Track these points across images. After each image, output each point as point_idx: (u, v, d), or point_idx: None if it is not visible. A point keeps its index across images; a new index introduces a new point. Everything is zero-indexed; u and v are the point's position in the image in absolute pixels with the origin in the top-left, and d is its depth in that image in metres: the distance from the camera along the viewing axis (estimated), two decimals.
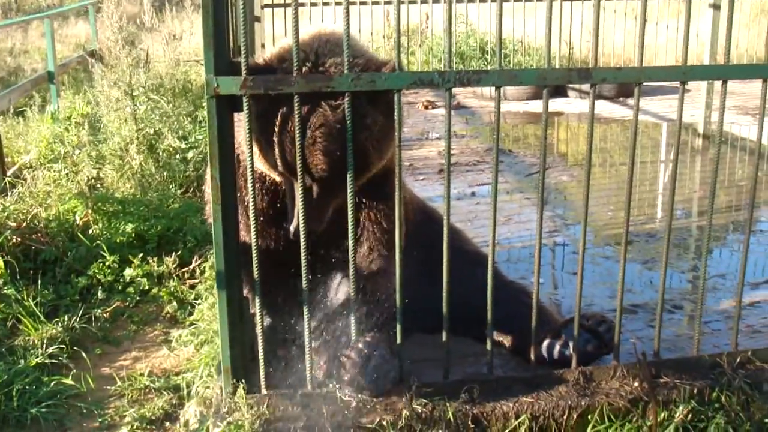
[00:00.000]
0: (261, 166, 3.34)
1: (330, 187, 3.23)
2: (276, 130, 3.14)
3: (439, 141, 9.15)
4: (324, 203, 3.27)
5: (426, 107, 11.18)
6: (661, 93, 11.81)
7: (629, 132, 3.38)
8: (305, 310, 3.20)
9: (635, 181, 7.11)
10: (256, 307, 3.21)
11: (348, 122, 3.01)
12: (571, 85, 11.88)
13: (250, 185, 3.06)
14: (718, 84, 3.45)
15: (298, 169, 3.03)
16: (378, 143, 3.24)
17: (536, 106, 11.23)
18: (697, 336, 3.62)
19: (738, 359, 3.59)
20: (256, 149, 3.23)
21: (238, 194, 3.18)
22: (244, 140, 3.05)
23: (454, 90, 12.73)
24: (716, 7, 9.01)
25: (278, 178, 3.40)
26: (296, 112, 2.98)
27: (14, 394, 4.11)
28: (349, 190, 3.09)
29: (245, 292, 3.42)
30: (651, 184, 7.32)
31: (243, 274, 3.33)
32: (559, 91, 12.10)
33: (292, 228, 3.23)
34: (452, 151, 8.35)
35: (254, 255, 3.13)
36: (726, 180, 7.31)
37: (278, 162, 3.19)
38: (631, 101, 3.14)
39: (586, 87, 3.22)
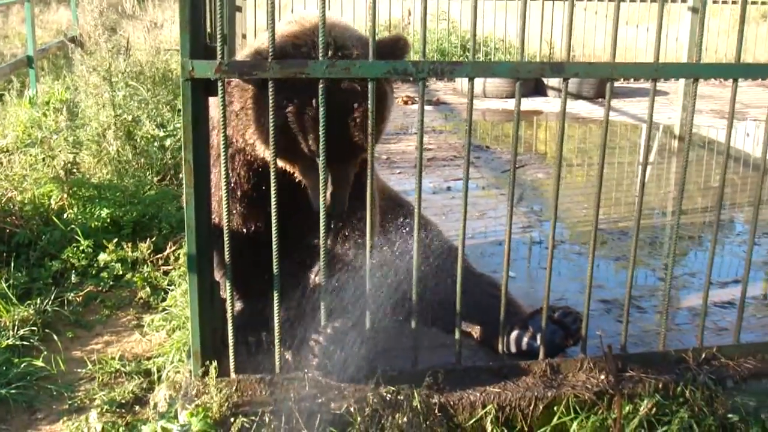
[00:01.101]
0: (263, 152, 3.39)
1: (348, 169, 3.32)
2: (306, 115, 3.16)
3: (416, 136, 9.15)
4: (347, 184, 3.34)
5: (405, 102, 11.21)
6: (639, 95, 11.91)
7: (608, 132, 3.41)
8: (275, 294, 3.22)
9: (612, 182, 7.22)
10: (227, 292, 3.22)
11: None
12: (550, 85, 11.95)
13: (222, 166, 3.08)
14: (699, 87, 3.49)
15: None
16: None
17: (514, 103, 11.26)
18: (663, 331, 3.66)
19: (703, 355, 3.64)
20: (257, 136, 3.30)
21: (226, 179, 3.17)
22: (218, 124, 3.07)
23: (435, 87, 12.82)
24: (695, 10, 9.10)
25: (288, 167, 3.42)
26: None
27: None
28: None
29: (217, 276, 3.44)
30: (628, 184, 7.38)
31: (216, 258, 3.35)
32: (539, 90, 12.16)
33: (322, 209, 3.24)
34: (429, 146, 8.45)
35: (226, 237, 3.14)
36: (702, 182, 7.39)
37: (308, 147, 3.22)
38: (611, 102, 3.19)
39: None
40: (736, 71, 3.47)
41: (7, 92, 9.98)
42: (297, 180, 3.45)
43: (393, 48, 3.21)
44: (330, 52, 3.15)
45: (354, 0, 12.30)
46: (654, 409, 3.41)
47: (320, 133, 3.05)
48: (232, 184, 3.55)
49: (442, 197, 6.67)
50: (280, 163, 3.33)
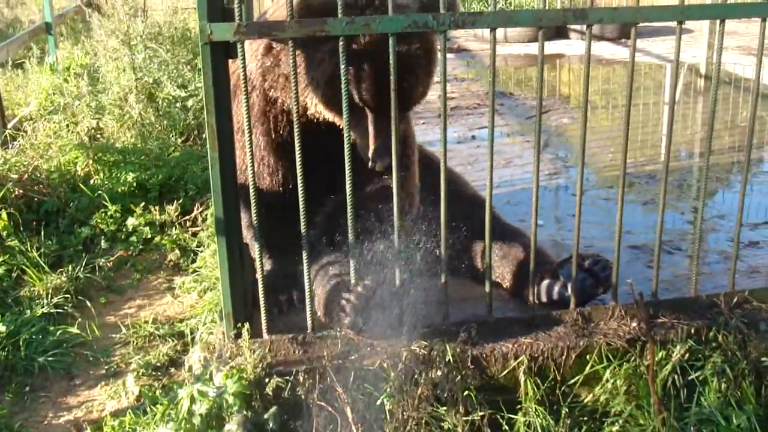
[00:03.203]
0: (316, 106, 3.39)
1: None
2: (364, 67, 3.18)
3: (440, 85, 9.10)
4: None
5: None
6: (663, 34, 11.72)
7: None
8: (304, 253, 3.22)
9: (638, 124, 7.14)
10: (255, 252, 3.23)
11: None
12: (572, 28, 11.79)
13: (246, 128, 3.07)
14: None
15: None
16: None
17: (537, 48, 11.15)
18: (694, 276, 3.63)
19: (735, 299, 3.61)
20: (311, 89, 3.32)
21: (250, 139, 3.16)
22: (240, 84, 3.05)
23: (456, 33, 12.68)
24: None
25: (336, 120, 3.40)
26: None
27: (21, 343, 4.18)
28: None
29: (246, 237, 3.45)
30: (654, 125, 7.30)
31: (244, 219, 3.35)
32: (561, 33, 12.02)
33: (378, 163, 3.26)
34: (452, 95, 8.39)
35: (252, 197, 3.15)
36: (729, 121, 7.29)
37: (360, 96, 3.22)
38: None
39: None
40: (766, 9, 3.39)
41: (27, 60, 9.99)
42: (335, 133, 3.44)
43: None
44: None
45: None
46: (687, 354, 3.40)
47: (343, 91, 3.04)
48: (266, 143, 3.58)
49: (467, 146, 6.63)
50: (328, 116, 3.35)
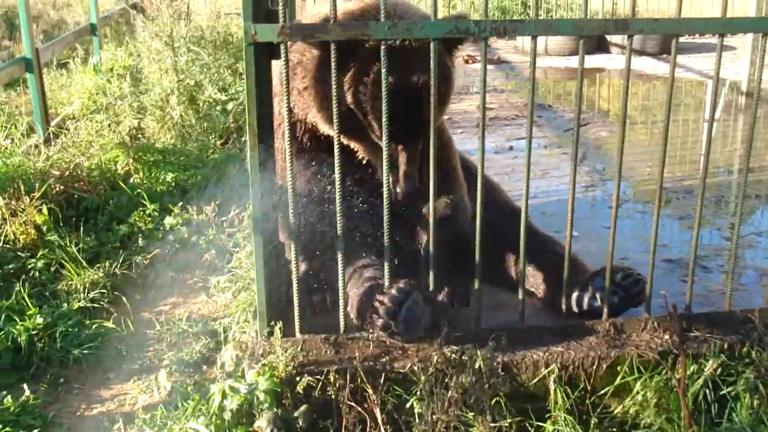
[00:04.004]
0: (327, 130, 3.45)
1: (416, 147, 3.35)
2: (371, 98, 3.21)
3: (478, 95, 9.11)
4: (416, 162, 3.37)
5: (466, 61, 11.13)
6: (705, 50, 11.65)
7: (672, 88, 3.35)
8: (339, 255, 3.25)
9: (677, 140, 7.11)
10: (291, 253, 3.26)
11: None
12: (613, 42, 11.75)
13: (287, 128, 3.10)
14: None
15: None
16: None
17: (578, 61, 11.14)
18: (729, 291, 3.61)
19: None
20: (320, 116, 3.40)
21: (291, 141, 3.20)
22: (282, 87, 3.09)
23: (496, 45, 12.69)
24: None
25: (354, 146, 3.50)
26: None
27: (57, 336, 4.25)
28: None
29: (282, 238, 3.48)
30: (693, 142, 7.26)
31: (280, 220, 3.39)
32: (601, 47, 11.97)
33: (400, 192, 3.32)
34: (491, 106, 8.40)
35: (290, 199, 3.18)
36: None
37: (373, 131, 3.31)
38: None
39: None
40: None
41: (71, 60, 10.14)
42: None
43: None
44: None
45: None
46: (719, 369, 3.38)
47: (383, 106, 3.08)
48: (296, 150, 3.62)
49: (505, 157, 6.64)
50: (345, 141, 3.37)
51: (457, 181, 3.84)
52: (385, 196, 3.19)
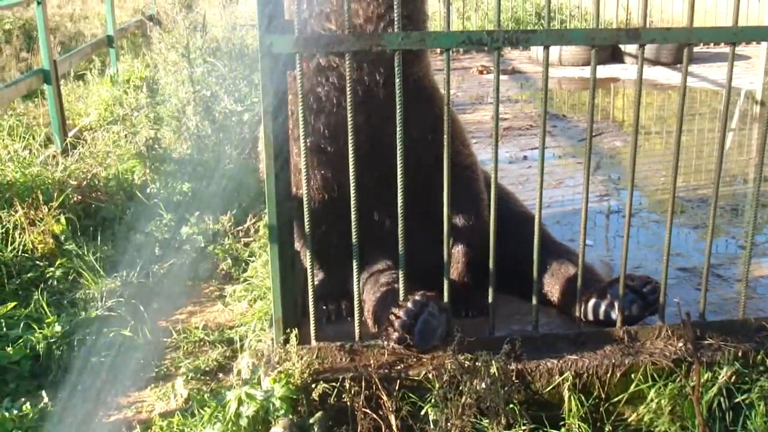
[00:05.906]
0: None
1: None
2: None
3: (492, 106, 9.14)
4: None
5: (481, 72, 11.15)
6: (720, 60, 11.62)
7: (687, 98, 3.37)
8: (354, 264, 3.28)
9: (692, 149, 7.11)
10: (307, 261, 3.29)
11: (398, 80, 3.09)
12: (627, 52, 11.75)
13: (302, 139, 3.14)
14: None
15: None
16: None
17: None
18: (743, 299, 3.62)
19: None
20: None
21: (305, 150, 3.24)
22: (297, 97, 3.12)
23: (510, 55, 12.72)
24: None
25: None
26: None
27: (75, 343, 4.29)
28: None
29: (298, 246, 3.51)
30: (708, 152, 7.25)
31: (296, 229, 3.42)
32: (615, 57, 11.97)
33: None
34: (505, 116, 8.42)
35: (305, 207, 3.21)
36: None
37: None
38: (690, 67, 3.13)
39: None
40: None
41: (89, 71, 10.23)
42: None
43: None
44: None
45: None
46: (733, 377, 3.39)
47: (398, 107, 3.10)
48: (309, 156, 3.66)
49: (519, 166, 6.65)
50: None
51: (476, 182, 3.87)
52: (399, 204, 3.21)
